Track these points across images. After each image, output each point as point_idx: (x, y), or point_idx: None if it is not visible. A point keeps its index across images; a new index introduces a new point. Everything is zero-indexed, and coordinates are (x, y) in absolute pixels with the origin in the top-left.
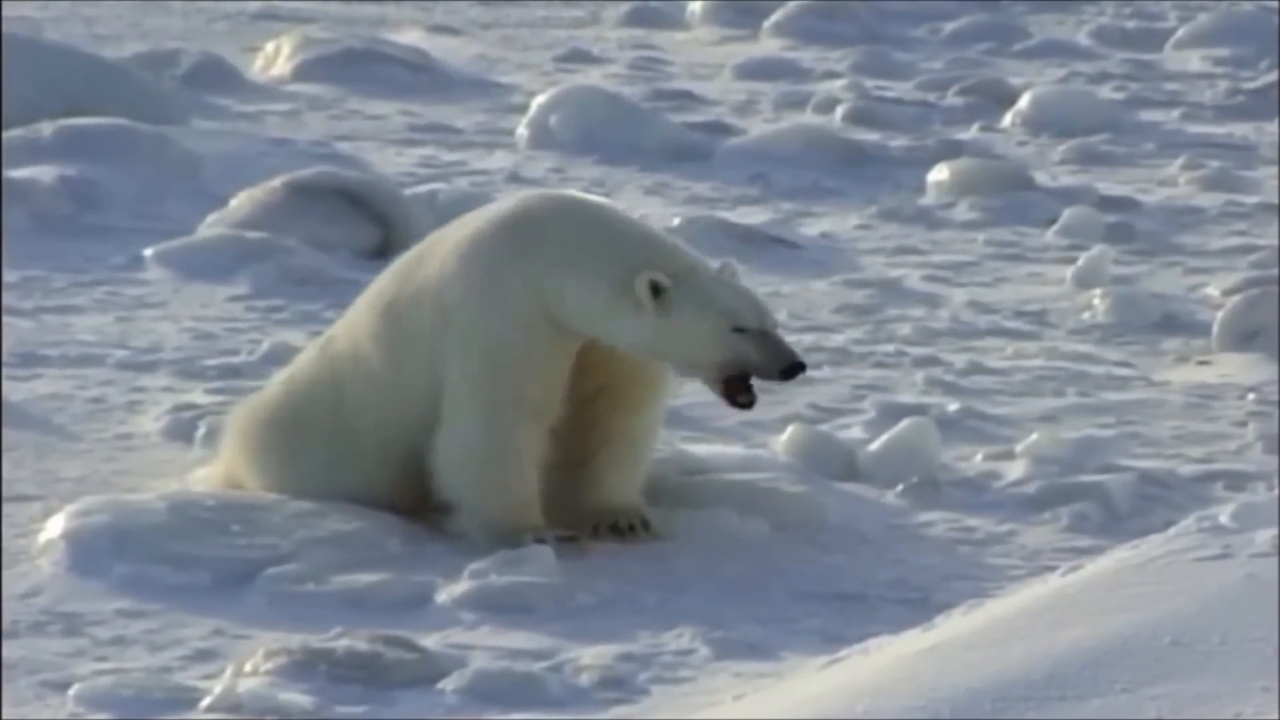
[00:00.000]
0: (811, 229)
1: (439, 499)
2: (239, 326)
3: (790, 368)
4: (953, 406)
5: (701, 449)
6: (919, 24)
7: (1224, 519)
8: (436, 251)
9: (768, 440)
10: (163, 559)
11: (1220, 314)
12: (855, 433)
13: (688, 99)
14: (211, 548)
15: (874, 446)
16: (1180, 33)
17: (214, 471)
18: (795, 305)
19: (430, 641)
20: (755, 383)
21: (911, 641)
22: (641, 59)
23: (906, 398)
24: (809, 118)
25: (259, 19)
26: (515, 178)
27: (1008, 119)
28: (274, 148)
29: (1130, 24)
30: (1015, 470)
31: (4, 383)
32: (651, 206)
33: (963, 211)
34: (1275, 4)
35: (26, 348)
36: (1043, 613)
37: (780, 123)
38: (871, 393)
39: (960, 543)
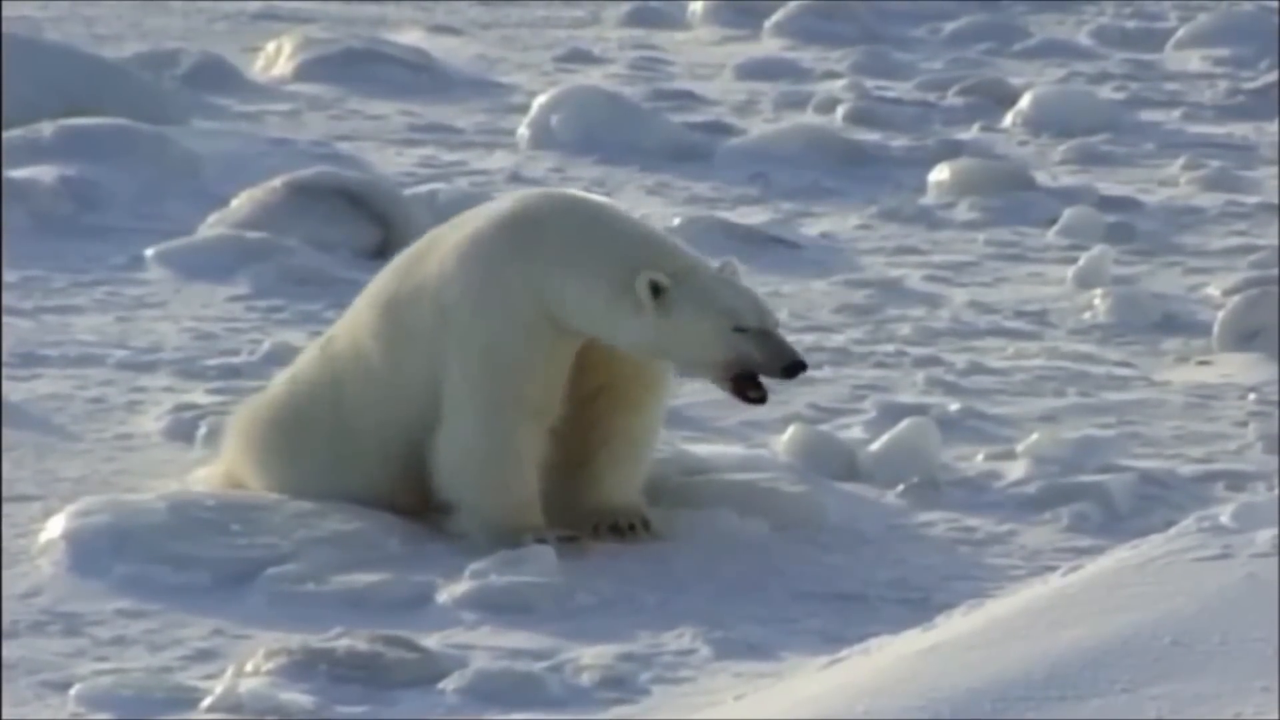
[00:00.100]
0: (812, 229)
1: (439, 499)
2: (239, 326)
3: (791, 366)
4: (953, 406)
5: (702, 449)
6: (919, 24)
7: (1224, 519)
8: (436, 249)
9: (768, 440)
10: (163, 559)
11: (1221, 314)
12: (856, 433)
13: (688, 99)
14: (212, 548)
15: (874, 446)
16: (1180, 33)
17: (214, 471)
18: (795, 305)
19: (431, 641)
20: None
21: (911, 641)
22: (642, 59)
23: (907, 398)
24: (809, 118)
25: (259, 19)
26: (516, 178)
27: (1008, 119)
28: (274, 148)
29: (1130, 24)
30: (1016, 470)
31: (4, 383)
32: (652, 206)
33: (963, 211)
34: (1275, 4)
35: (26, 348)
36: (1043, 613)
37: (781, 123)
38: (872, 393)
39: (960, 543)
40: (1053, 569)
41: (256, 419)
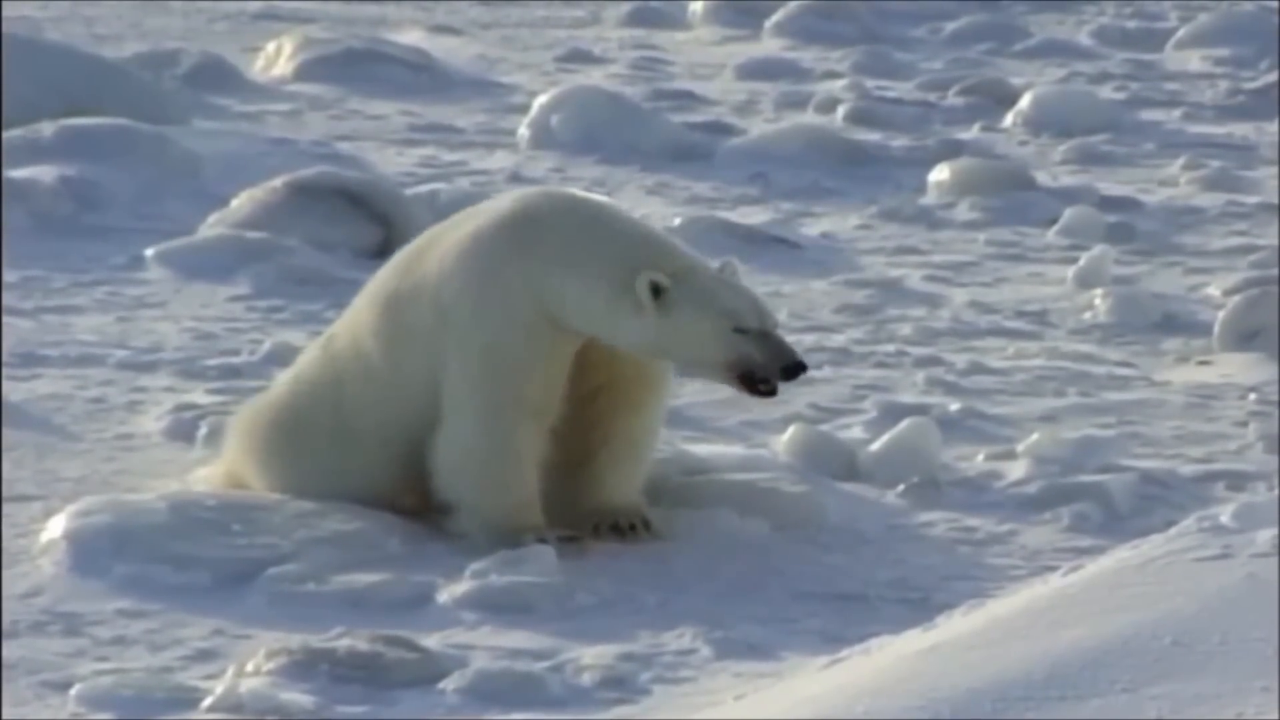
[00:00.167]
0: (812, 229)
1: (439, 499)
2: (240, 326)
3: (792, 367)
4: (953, 406)
5: (702, 449)
6: (919, 24)
7: (1224, 519)
8: (436, 247)
9: (768, 440)
10: (163, 559)
11: (1221, 314)
12: (856, 433)
13: (688, 99)
14: (212, 548)
15: (875, 446)
16: (1181, 33)
17: (215, 471)
18: (796, 305)
19: (431, 641)
20: None
21: (912, 641)
22: (642, 59)
23: (907, 398)
24: (810, 118)
25: (259, 19)
26: (516, 178)
27: (1008, 119)
28: (274, 148)
29: (1131, 24)
30: (1016, 470)
31: (4, 383)
32: (652, 206)
33: (963, 211)
34: (1275, 4)
35: (26, 348)
36: (1043, 613)
37: (781, 123)
38: (872, 393)
39: (961, 543)
40: (1053, 569)
41: (259, 420)
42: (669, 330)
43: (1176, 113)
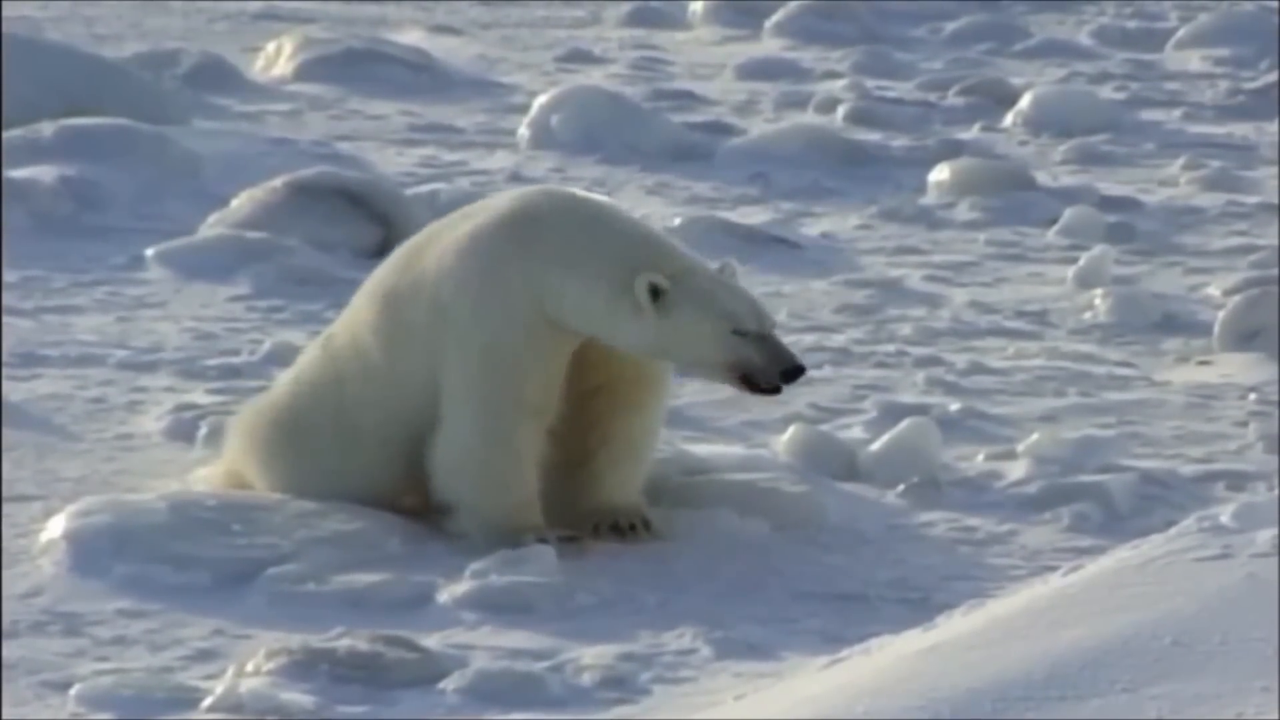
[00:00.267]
0: (812, 229)
1: (437, 500)
2: (240, 326)
3: (790, 371)
4: (954, 406)
5: (702, 449)
6: (919, 24)
7: (1224, 519)
8: (436, 244)
9: (768, 440)
10: (163, 559)
11: (1221, 314)
12: (856, 433)
13: (689, 99)
14: (212, 548)
15: (875, 446)
16: (1181, 33)
17: (215, 471)
18: (796, 305)
19: (431, 641)
20: None
21: (911, 641)
22: (642, 59)
23: (907, 398)
24: (810, 118)
25: (259, 19)
26: (516, 178)
27: (1008, 119)
28: (275, 148)
29: (1131, 24)
30: (1016, 470)
31: (4, 383)
32: (652, 206)
33: (963, 211)
34: (1275, 4)
35: (26, 348)
36: (1043, 613)
37: (781, 123)
38: (872, 393)
39: (961, 543)
40: (1053, 569)
41: (260, 420)
42: (668, 332)
43: (1176, 113)
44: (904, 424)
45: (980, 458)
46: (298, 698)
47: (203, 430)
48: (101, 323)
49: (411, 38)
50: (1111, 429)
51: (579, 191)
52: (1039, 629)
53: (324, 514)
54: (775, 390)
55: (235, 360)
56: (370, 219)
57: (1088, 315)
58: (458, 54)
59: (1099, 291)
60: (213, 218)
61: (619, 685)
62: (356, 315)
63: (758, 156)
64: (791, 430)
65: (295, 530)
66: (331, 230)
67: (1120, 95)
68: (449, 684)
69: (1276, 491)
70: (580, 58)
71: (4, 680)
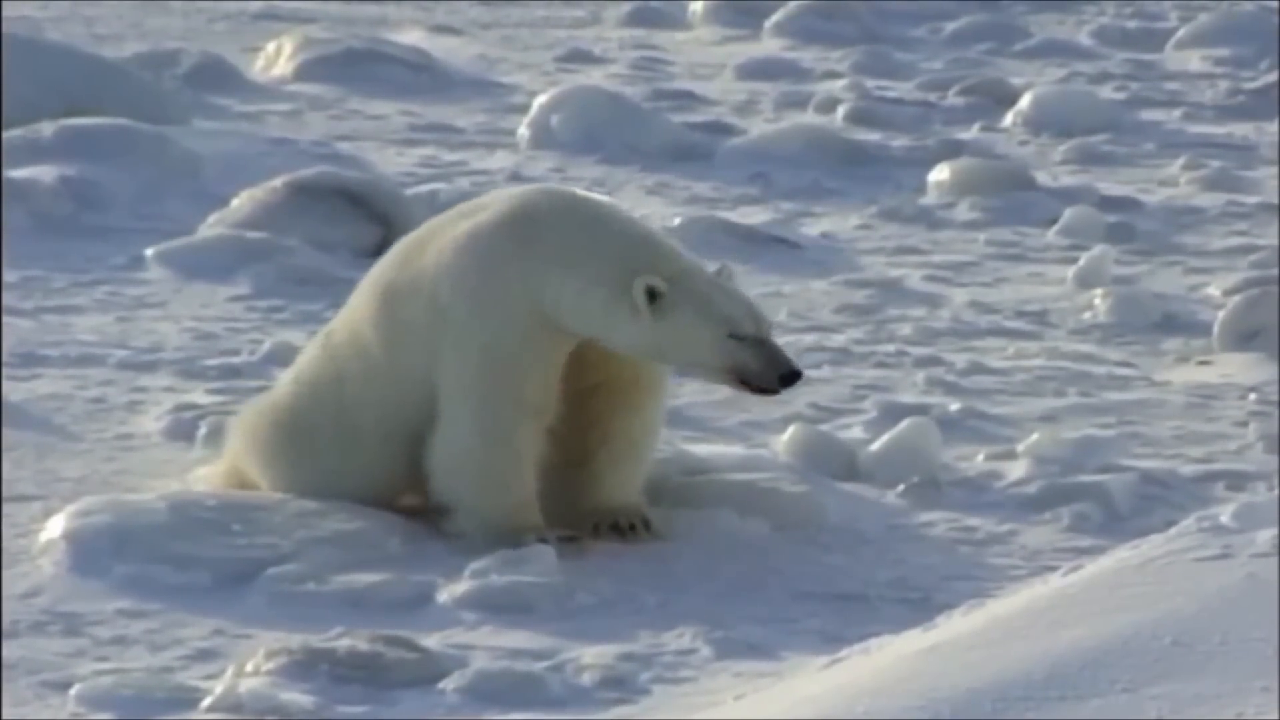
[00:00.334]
0: (812, 229)
1: (436, 500)
2: (240, 326)
3: (788, 375)
4: (954, 406)
5: (702, 449)
6: (919, 24)
7: (1224, 519)
8: (435, 241)
9: (768, 440)
10: (163, 559)
11: (1221, 314)
12: (856, 433)
13: (689, 99)
14: (212, 548)
15: (875, 446)
16: (1181, 33)
17: (215, 471)
18: (796, 305)
19: (431, 641)
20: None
21: (911, 641)
22: (642, 59)
23: (907, 398)
24: (810, 118)
25: (259, 19)
26: (516, 178)
27: (1008, 119)
28: (275, 148)
29: (1131, 24)
30: (1016, 470)
31: (4, 383)
32: (652, 206)
33: (963, 211)
34: (1275, 4)
35: (26, 348)
36: (1043, 613)
37: (781, 123)
38: (872, 393)
39: (961, 543)
40: (1053, 569)
41: (261, 420)
42: (664, 335)
43: (1176, 113)
44: (904, 424)
45: (980, 458)
46: (298, 698)
47: (203, 430)
48: (101, 323)
49: (411, 38)
50: (1111, 429)
51: (579, 191)
52: (1039, 629)
53: (324, 514)
54: (773, 390)
55: (235, 360)
56: (370, 219)
57: (1088, 315)
58: (458, 54)
59: (1099, 291)
60: (213, 218)
61: (619, 685)
62: (356, 311)
63: (758, 156)
64: (791, 430)
65: (295, 530)
66: (331, 230)
67: (1120, 95)
68: (449, 684)
69: (1276, 491)
70: (580, 58)
71: (4, 680)
